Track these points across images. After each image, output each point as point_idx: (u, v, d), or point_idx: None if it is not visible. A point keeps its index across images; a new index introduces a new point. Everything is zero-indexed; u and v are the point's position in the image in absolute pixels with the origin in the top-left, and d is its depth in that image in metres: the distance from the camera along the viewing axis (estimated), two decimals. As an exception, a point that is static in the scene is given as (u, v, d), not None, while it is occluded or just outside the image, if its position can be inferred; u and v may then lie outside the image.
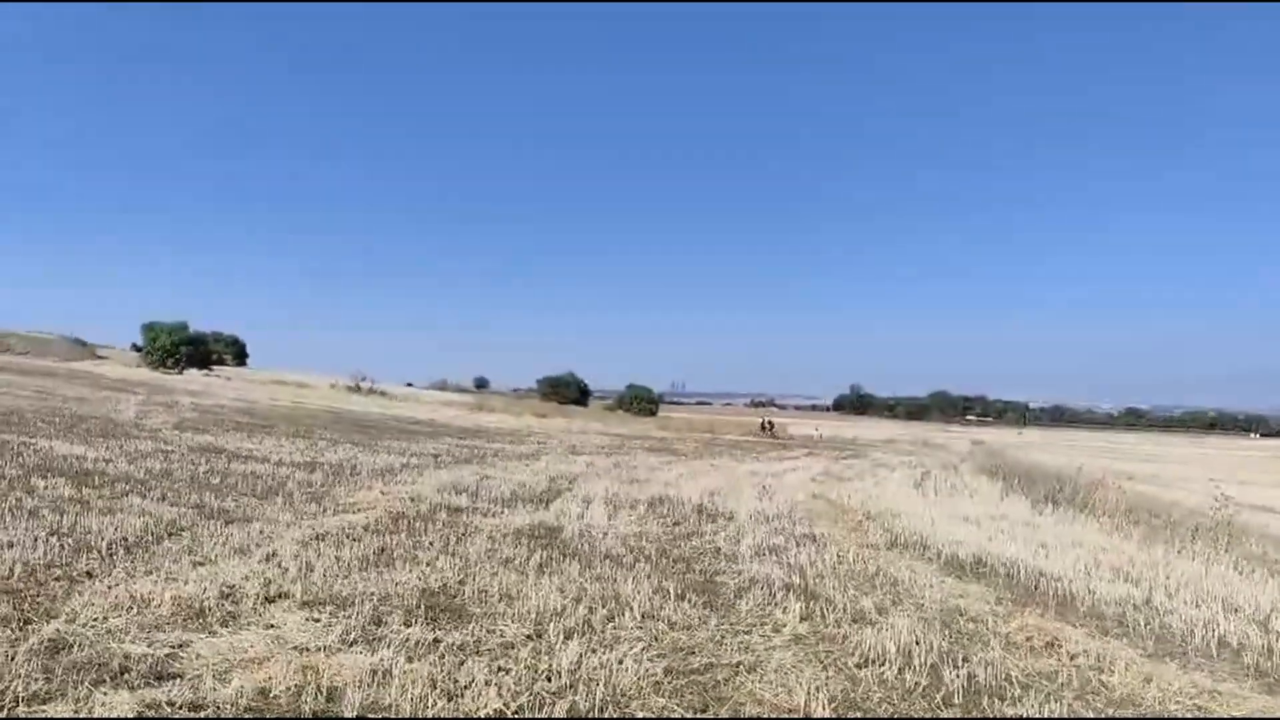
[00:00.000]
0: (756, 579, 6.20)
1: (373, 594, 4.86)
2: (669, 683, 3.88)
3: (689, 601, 5.38)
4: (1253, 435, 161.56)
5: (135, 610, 4.18)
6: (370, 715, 3.24)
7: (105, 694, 3.14)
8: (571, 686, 3.69)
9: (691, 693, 3.80)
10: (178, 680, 3.37)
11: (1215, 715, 4.13)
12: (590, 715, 3.43)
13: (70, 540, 5.43)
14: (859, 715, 3.71)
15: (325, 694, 3.38)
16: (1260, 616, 6.18)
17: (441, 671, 3.71)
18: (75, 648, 3.59)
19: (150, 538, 5.80)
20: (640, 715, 3.50)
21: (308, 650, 3.86)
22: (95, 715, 2.98)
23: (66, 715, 2.97)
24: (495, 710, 3.37)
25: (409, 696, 3.40)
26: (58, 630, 3.76)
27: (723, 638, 4.68)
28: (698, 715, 3.56)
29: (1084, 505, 13.67)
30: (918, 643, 4.69)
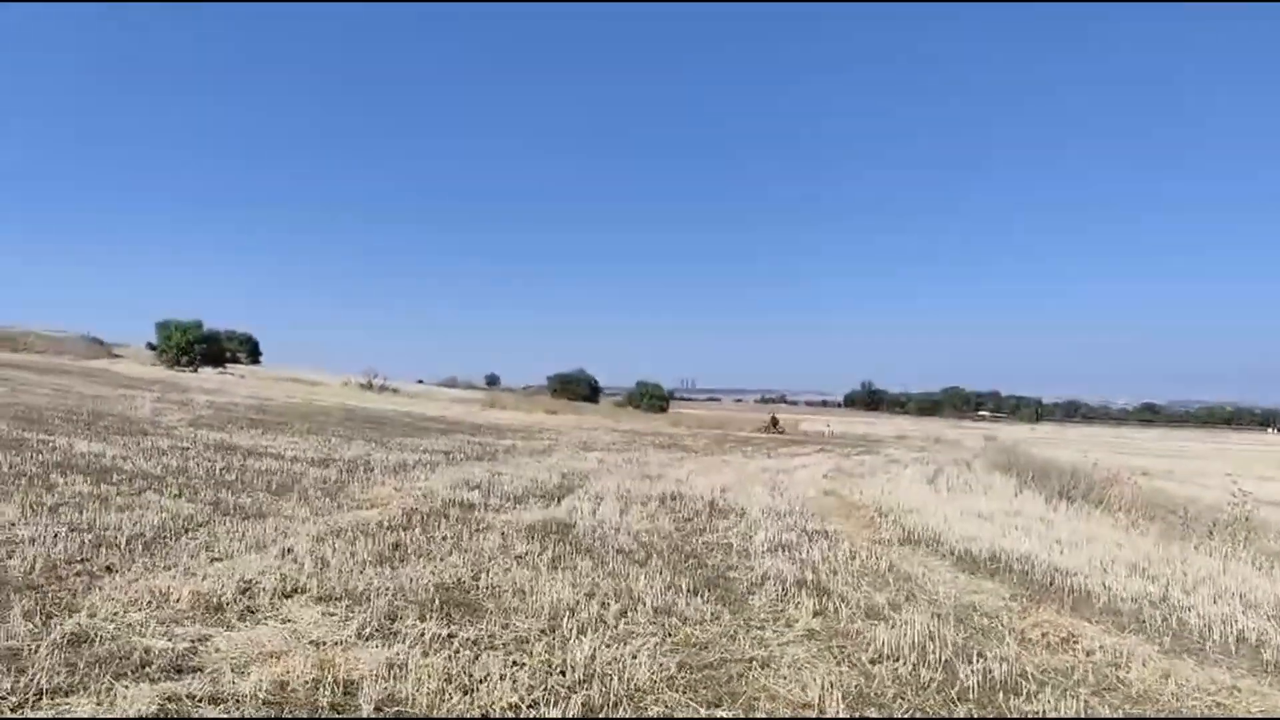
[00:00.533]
0: (769, 575, 6.21)
1: (387, 589, 4.89)
2: (682, 678, 3.90)
3: (702, 597, 5.39)
4: (1271, 431, 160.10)
5: (155, 605, 4.23)
6: (387, 708, 3.27)
7: (127, 687, 3.18)
8: (586, 681, 3.71)
9: (705, 688, 3.81)
10: (197, 673, 3.41)
11: (1234, 712, 4.11)
12: (605, 710, 3.45)
13: (90, 536, 5.49)
14: (873, 711, 3.71)
15: (342, 687, 3.41)
16: (1279, 613, 6.14)
17: (457, 666, 3.74)
18: (97, 641, 3.64)
19: (168, 533, 5.85)
20: (654, 710, 3.51)
21: (324, 644, 3.90)
22: (117, 707, 3.02)
23: (89, 707, 3.01)
24: (510, 704, 3.40)
25: (425, 690, 3.42)
26: (79, 624, 3.81)
27: (736, 633, 4.69)
28: (711, 710, 3.57)
29: (1099, 501, 13.59)
30: (932, 639, 4.69)
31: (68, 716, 2.95)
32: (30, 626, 3.72)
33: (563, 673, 3.80)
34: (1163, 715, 4.00)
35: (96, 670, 3.31)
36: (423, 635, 4.12)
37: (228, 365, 60.65)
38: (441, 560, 5.82)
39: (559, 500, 9.51)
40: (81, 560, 4.94)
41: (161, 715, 3.02)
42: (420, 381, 76.66)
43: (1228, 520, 11.14)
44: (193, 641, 3.78)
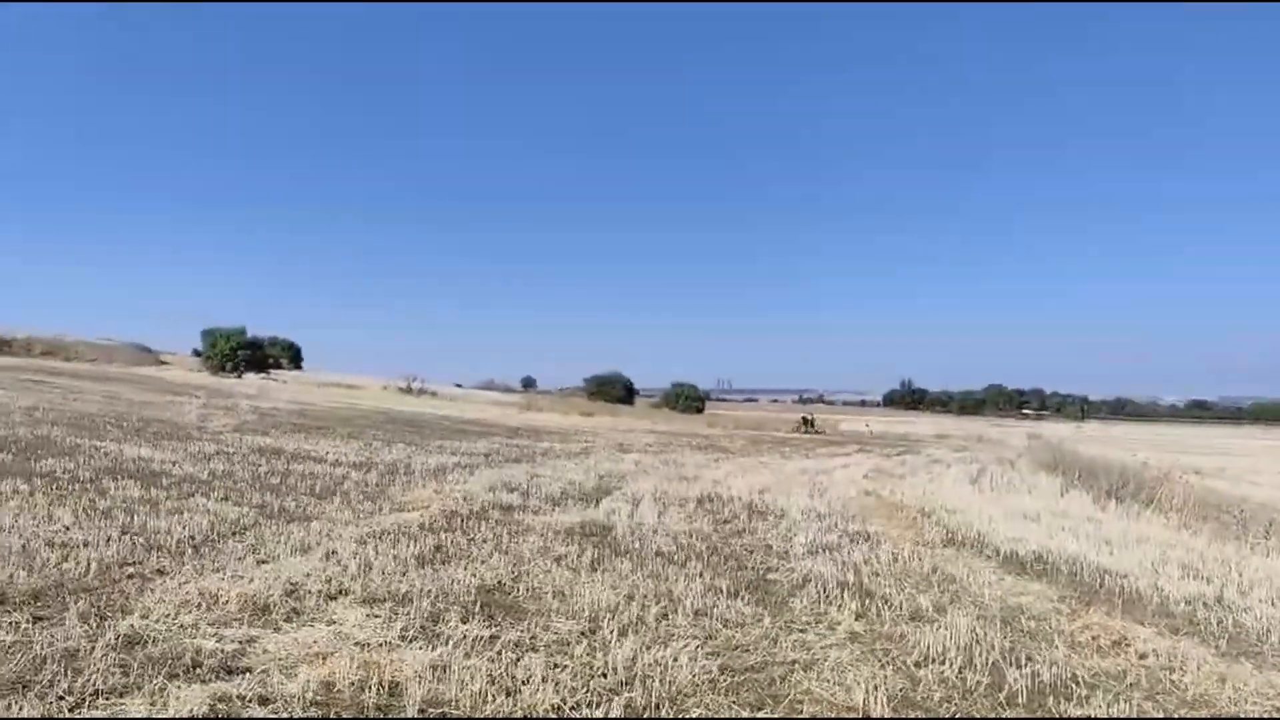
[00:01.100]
0: (810, 577, 6.16)
1: (430, 591, 4.94)
2: (724, 680, 3.88)
3: (742, 599, 5.37)
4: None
5: (204, 607, 4.31)
6: (431, 709, 3.30)
7: (179, 687, 3.24)
8: (627, 683, 3.71)
9: (747, 690, 3.79)
10: (246, 674, 3.47)
11: (1292, 717, 3.99)
12: (647, 712, 3.45)
13: (141, 539, 5.62)
14: (919, 714, 3.66)
15: (387, 688, 3.45)
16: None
17: (499, 667, 3.76)
18: (149, 643, 3.71)
19: (216, 536, 5.97)
20: (696, 712, 3.50)
21: (369, 646, 3.94)
22: (170, 707, 3.08)
23: (143, 707, 3.08)
24: (553, 706, 3.41)
25: (468, 691, 3.45)
26: (132, 626, 3.89)
27: (777, 636, 4.66)
28: (754, 713, 3.56)
29: (1149, 501, 13.29)
30: (978, 641, 4.62)
31: (122, 717, 3.02)
32: (86, 628, 3.81)
33: (604, 675, 3.81)
34: (1220, 718, 3.90)
35: (150, 671, 3.38)
36: (465, 637, 4.15)
37: (271, 371, 61.66)
38: (482, 562, 5.86)
39: (597, 502, 9.53)
40: (133, 563, 5.05)
41: (212, 715, 3.07)
42: (458, 385, 77.29)
43: (1284, 519, 10.83)
44: (241, 643, 3.85)
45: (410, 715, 3.24)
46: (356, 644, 3.96)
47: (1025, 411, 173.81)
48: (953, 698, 3.87)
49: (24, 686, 3.15)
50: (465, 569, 5.59)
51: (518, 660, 3.89)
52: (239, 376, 52.51)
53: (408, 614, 4.45)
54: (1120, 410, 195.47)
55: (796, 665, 4.18)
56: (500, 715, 3.31)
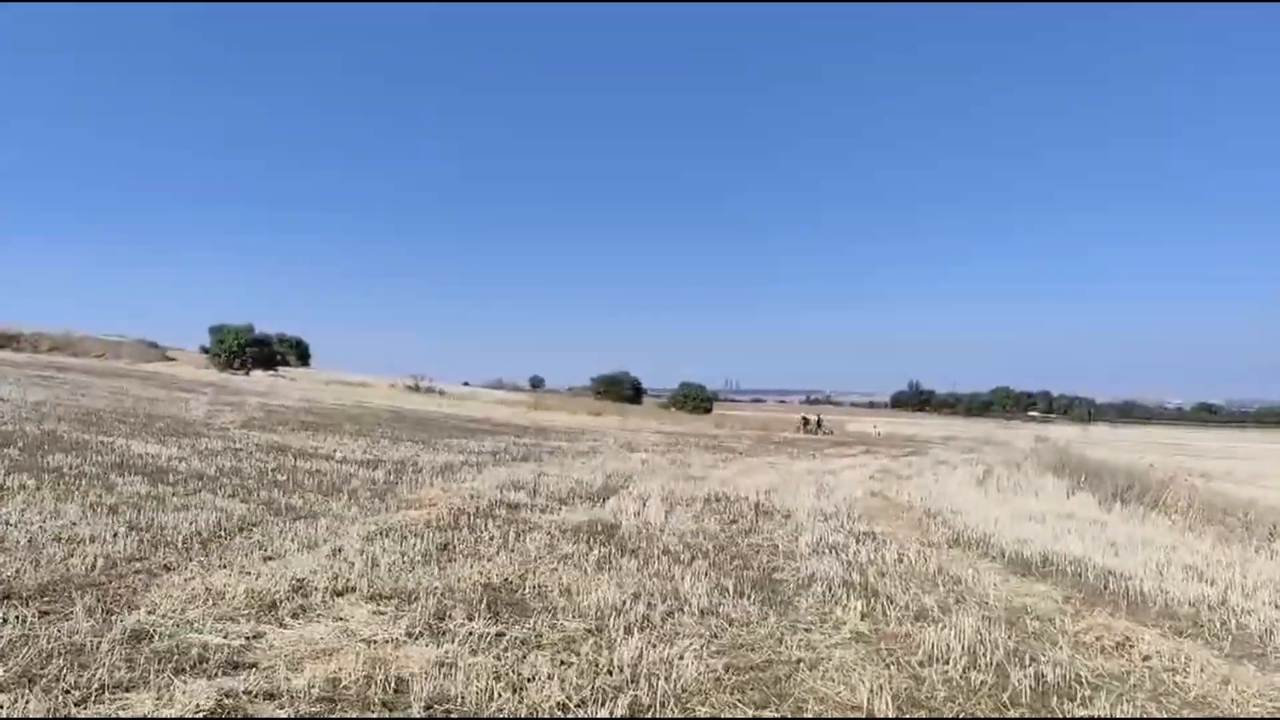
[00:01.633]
0: (816, 576, 6.16)
1: (436, 588, 4.95)
2: (730, 679, 3.88)
3: (748, 598, 5.37)
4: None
5: (211, 602, 4.33)
6: (437, 706, 3.31)
7: (185, 682, 3.26)
8: (633, 681, 3.71)
9: (753, 689, 3.79)
10: (253, 670, 3.48)
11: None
12: (652, 710, 3.45)
13: (148, 535, 5.64)
14: (923, 714, 3.66)
15: (393, 685, 3.46)
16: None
17: (505, 665, 3.77)
18: (156, 638, 3.73)
19: (223, 533, 5.99)
20: (702, 711, 3.51)
21: (375, 642, 3.96)
22: (177, 702, 3.10)
23: (150, 702, 3.09)
24: (559, 703, 3.41)
25: (474, 689, 3.46)
26: (139, 621, 3.91)
27: (783, 635, 4.66)
28: (759, 711, 3.56)
29: (1154, 503, 13.24)
30: (983, 641, 4.61)
31: (129, 714, 3.03)
32: (92, 623, 3.83)
33: (610, 672, 3.81)
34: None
35: (156, 666, 3.39)
36: (471, 634, 4.16)
37: (278, 368, 61.87)
38: (489, 560, 5.87)
39: (604, 501, 9.53)
40: (140, 559, 5.07)
41: (219, 710, 3.09)
42: (466, 383, 77.38)
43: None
44: (248, 638, 3.86)
45: (416, 712, 3.24)
46: (363, 640, 3.97)
47: (1032, 414, 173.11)
48: (957, 697, 3.87)
49: (31, 681, 3.17)
50: (472, 567, 5.60)
51: (524, 658, 3.90)
52: (247, 373, 52.70)
53: (414, 611, 4.46)
54: (1128, 413, 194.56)
55: (802, 664, 4.18)
56: (506, 712, 3.32)
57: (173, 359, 59.39)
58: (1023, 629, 5.14)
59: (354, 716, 3.18)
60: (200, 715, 3.04)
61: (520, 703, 3.40)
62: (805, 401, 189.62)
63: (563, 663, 3.89)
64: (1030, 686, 4.01)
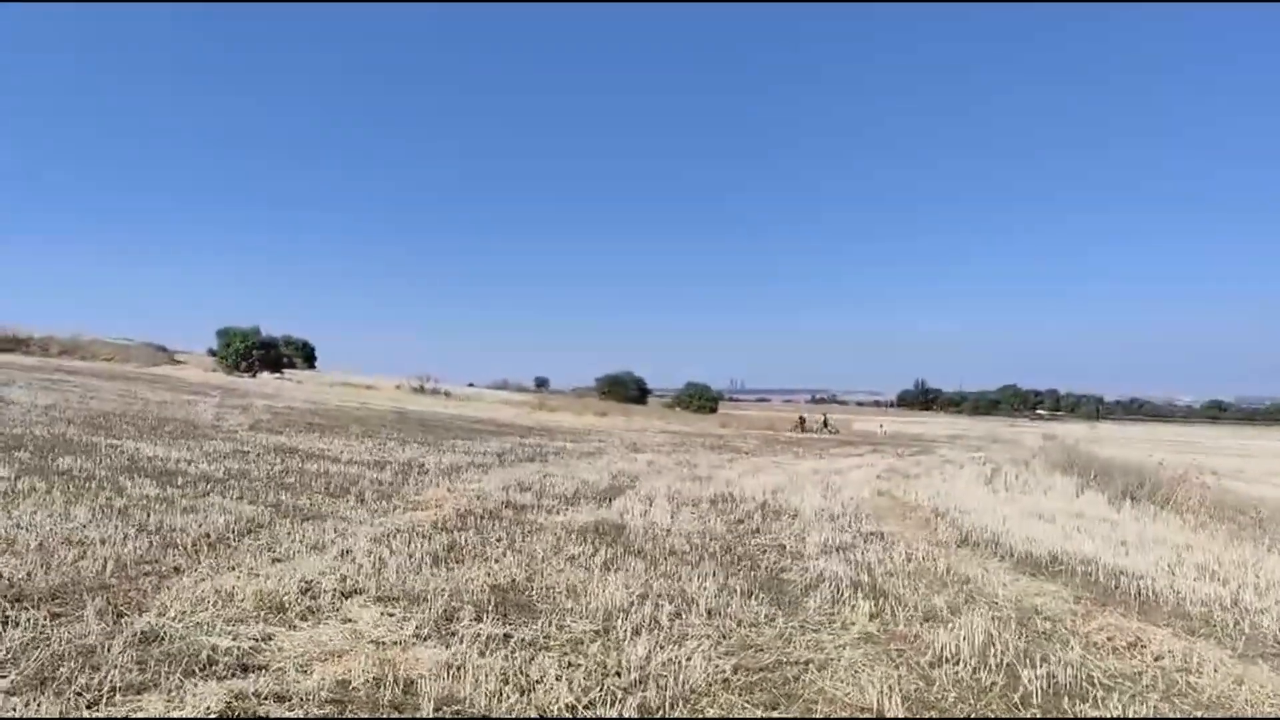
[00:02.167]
0: (824, 576, 6.15)
1: (444, 590, 4.95)
2: (738, 680, 3.88)
3: (756, 599, 5.36)
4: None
5: (220, 604, 4.34)
6: (446, 707, 3.31)
7: (196, 685, 3.27)
8: (641, 682, 3.71)
9: (761, 690, 3.78)
10: (263, 672, 3.49)
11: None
12: (661, 711, 3.45)
13: (158, 537, 5.66)
14: (934, 715, 3.65)
15: (402, 686, 3.47)
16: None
17: (513, 666, 3.77)
18: (166, 640, 3.74)
19: (232, 535, 6.00)
20: (711, 712, 3.50)
21: (384, 644, 3.96)
22: (187, 704, 3.10)
23: (160, 705, 3.10)
24: (567, 704, 3.41)
25: (483, 690, 3.46)
26: (149, 623, 3.92)
27: (791, 635, 4.65)
28: (768, 712, 3.55)
29: (1165, 502, 13.19)
30: (993, 642, 4.60)
31: (140, 716, 3.04)
32: (103, 625, 3.84)
33: (618, 674, 3.81)
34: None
35: (167, 668, 3.40)
36: (479, 635, 4.17)
37: (284, 370, 61.98)
38: (496, 561, 5.88)
39: (610, 502, 9.53)
40: (150, 561, 5.08)
41: (229, 712, 3.09)
42: (471, 384, 77.40)
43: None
44: (257, 640, 3.87)
45: (425, 713, 3.25)
46: (371, 642, 3.98)
47: (1040, 412, 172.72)
48: (967, 698, 3.86)
49: (43, 683, 3.18)
50: (479, 568, 5.61)
51: (532, 659, 3.90)
52: (253, 376, 52.82)
53: (422, 613, 4.46)
54: (1136, 410, 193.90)
55: (810, 665, 4.16)
56: (514, 714, 3.32)
57: (180, 362, 59.55)
58: (1033, 629, 5.12)
59: (363, 718, 3.18)
60: (211, 717, 3.04)
61: (529, 704, 3.40)
62: (811, 401, 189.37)
63: (570, 664, 3.89)
64: (1041, 687, 4.00)
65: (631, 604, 4.96)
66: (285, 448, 12.68)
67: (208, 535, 5.88)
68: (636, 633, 4.39)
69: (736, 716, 3.48)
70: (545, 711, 3.35)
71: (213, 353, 61.41)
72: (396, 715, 3.23)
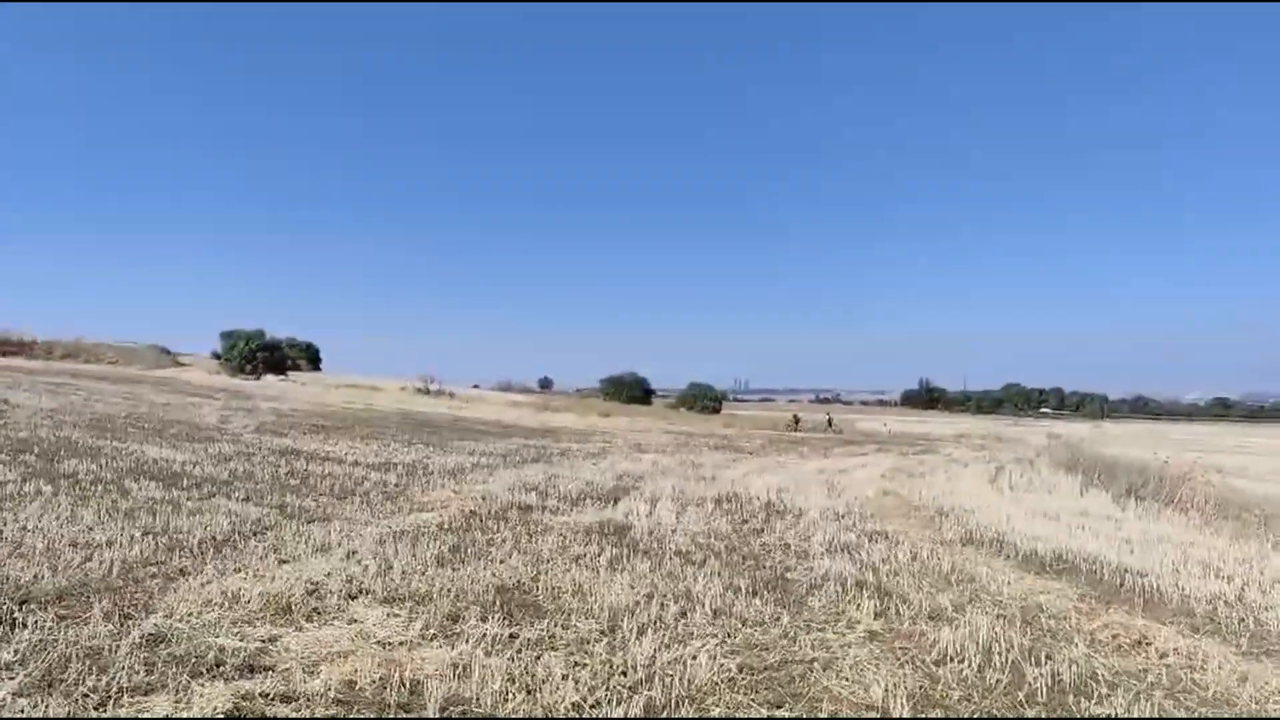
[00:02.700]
0: (828, 576, 6.15)
1: (449, 590, 4.97)
2: (744, 679, 3.88)
3: (760, 598, 5.36)
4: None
5: (227, 606, 4.36)
6: (452, 707, 3.32)
7: (203, 685, 3.28)
8: (647, 681, 3.71)
9: (767, 689, 3.79)
10: (269, 673, 3.50)
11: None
12: (666, 710, 3.46)
13: (164, 539, 5.68)
14: (938, 713, 3.65)
15: (408, 687, 3.48)
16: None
17: (519, 666, 3.78)
18: (173, 641, 3.76)
19: (238, 536, 6.02)
20: (716, 711, 3.51)
21: (390, 645, 3.98)
22: (194, 705, 3.12)
23: (168, 705, 3.12)
24: (573, 704, 3.42)
25: (489, 690, 3.47)
26: (156, 625, 3.94)
27: (796, 634, 4.65)
28: (773, 711, 3.55)
29: (1170, 500, 13.18)
30: (998, 640, 4.60)
31: (148, 717, 3.05)
32: (110, 627, 3.86)
33: (624, 673, 3.82)
34: (1241, 718, 3.87)
35: (174, 669, 3.42)
36: (485, 636, 4.18)
37: (289, 372, 62.03)
38: (501, 562, 5.89)
39: (615, 502, 9.54)
40: (156, 563, 5.11)
41: (236, 713, 3.11)
42: (475, 386, 77.31)
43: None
44: (263, 641, 3.89)
45: (431, 714, 3.26)
46: (377, 643, 3.99)
47: (1044, 410, 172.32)
48: (972, 696, 3.86)
49: (50, 685, 3.20)
50: (484, 568, 5.62)
51: (537, 659, 3.90)
52: (258, 378, 52.88)
53: (428, 613, 4.47)
54: (1141, 409, 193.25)
55: (815, 664, 4.17)
56: (520, 714, 3.33)
57: (185, 364, 59.61)
58: (1038, 627, 5.11)
59: (370, 718, 3.19)
60: (218, 717, 3.06)
61: (535, 704, 3.41)
62: (815, 400, 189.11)
63: (576, 664, 3.89)
64: (1046, 685, 4.00)
65: (637, 604, 4.97)
66: (290, 450, 12.71)
67: (214, 537, 5.90)
68: (642, 632, 4.40)
69: (742, 715, 3.49)
70: (551, 711, 3.36)
71: (217, 355, 61.49)
72: (403, 716, 3.24)
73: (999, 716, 3.67)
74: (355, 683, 3.47)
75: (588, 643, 4.23)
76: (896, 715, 3.59)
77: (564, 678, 3.66)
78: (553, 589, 5.27)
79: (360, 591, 4.85)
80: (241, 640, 3.85)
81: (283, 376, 57.92)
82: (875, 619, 5.04)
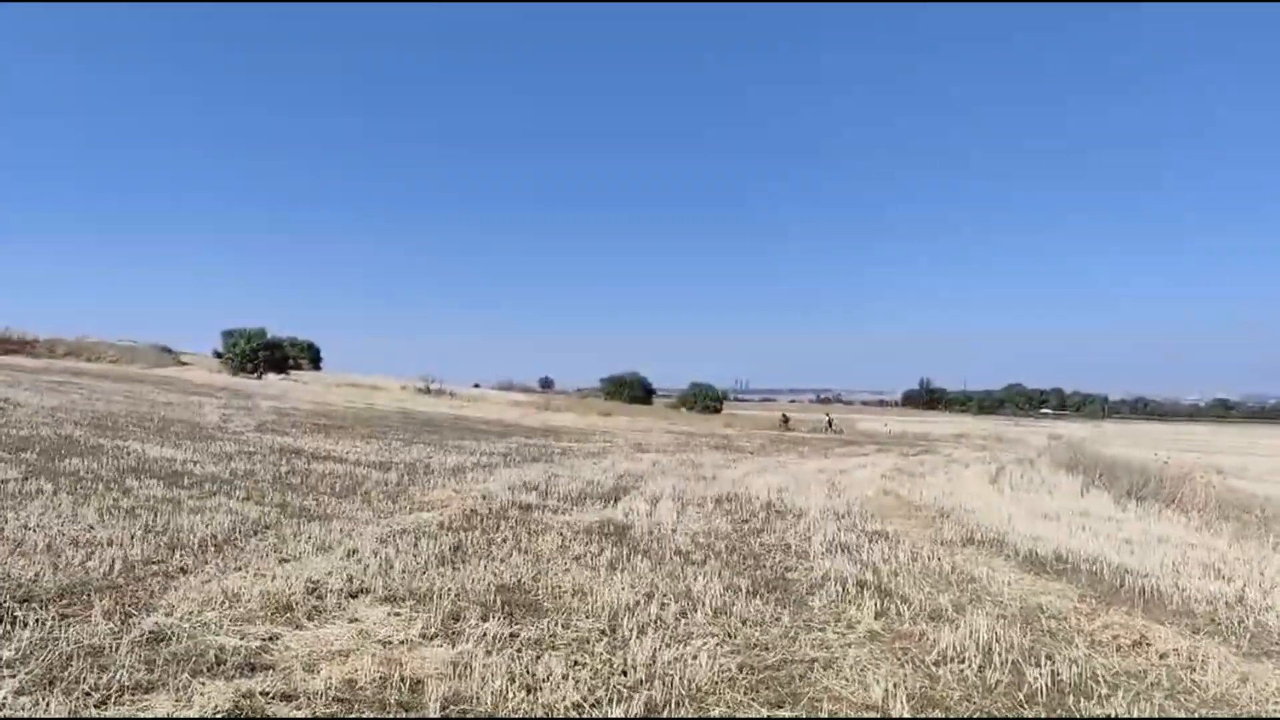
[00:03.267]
0: (829, 576, 6.15)
1: (450, 589, 4.97)
2: (744, 678, 3.88)
3: (761, 598, 5.36)
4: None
5: (227, 604, 4.36)
6: (452, 706, 3.32)
7: (203, 684, 3.28)
8: (647, 681, 3.72)
9: (767, 689, 3.79)
10: (270, 671, 3.50)
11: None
12: (667, 709, 3.46)
13: (165, 538, 5.68)
14: (938, 713, 3.65)
15: (408, 686, 3.48)
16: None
17: (519, 665, 3.78)
18: (173, 640, 3.76)
19: (238, 535, 6.03)
20: (716, 711, 3.51)
21: (390, 643, 3.98)
22: (195, 704, 3.12)
23: (168, 704, 3.12)
24: (573, 703, 3.42)
25: (489, 689, 3.47)
26: (157, 623, 3.94)
27: (796, 634, 4.65)
28: (774, 711, 3.56)
29: (1170, 500, 13.18)
30: (998, 640, 4.60)
31: (148, 716, 3.06)
32: (111, 625, 3.87)
33: (624, 672, 3.82)
34: (1241, 718, 3.87)
35: (174, 668, 3.42)
36: (485, 635, 4.18)
37: (290, 371, 62.01)
38: (502, 561, 5.89)
39: (615, 501, 9.55)
40: (157, 561, 5.11)
41: (237, 711, 3.11)
42: (476, 385, 77.26)
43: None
44: (264, 640, 3.89)
45: (432, 713, 3.26)
46: (378, 642, 3.99)
47: (1045, 411, 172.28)
48: (972, 696, 3.86)
49: (51, 683, 3.20)
50: (485, 568, 5.62)
51: (538, 658, 3.90)
52: (259, 377, 52.87)
53: (428, 612, 4.48)
54: (1141, 409, 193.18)
55: (816, 664, 4.17)
56: (521, 713, 3.33)
57: (186, 363, 59.61)
58: (1038, 627, 5.12)
59: (370, 717, 3.19)
60: (219, 716, 3.06)
61: (535, 703, 3.41)
62: (816, 401, 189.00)
63: (577, 663, 3.90)
64: (1046, 685, 4.00)
65: (637, 603, 4.97)
66: (291, 449, 12.72)
67: (214, 536, 5.90)
68: (642, 632, 4.40)
69: (742, 715, 3.49)
70: (552, 710, 3.36)
71: (218, 354, 61.45)
72: (403, 715, 3.24)
73: (999, 717, 3.67)
74: (356, 681, 3.47)
75: (588, 642, 4.23)
76: (897, 715, 3.59)
77: (564, 677, 3.66)
78: (553, 588, 5.28)
79: (361, 590, 4.86)
80: (242, 639, 3.85)
81: (284, 375, 57.92)
82: (875, 619, 5.04)
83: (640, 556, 6.40)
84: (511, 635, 4.23)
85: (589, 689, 3.57)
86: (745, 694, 3.70)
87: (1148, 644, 4.83)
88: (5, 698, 3.04)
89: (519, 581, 5.38)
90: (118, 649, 3.56)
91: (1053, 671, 4.17)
